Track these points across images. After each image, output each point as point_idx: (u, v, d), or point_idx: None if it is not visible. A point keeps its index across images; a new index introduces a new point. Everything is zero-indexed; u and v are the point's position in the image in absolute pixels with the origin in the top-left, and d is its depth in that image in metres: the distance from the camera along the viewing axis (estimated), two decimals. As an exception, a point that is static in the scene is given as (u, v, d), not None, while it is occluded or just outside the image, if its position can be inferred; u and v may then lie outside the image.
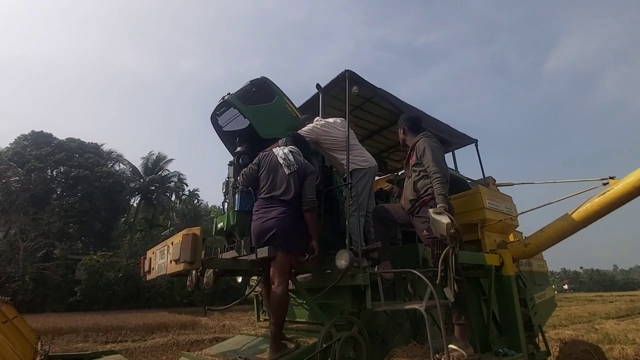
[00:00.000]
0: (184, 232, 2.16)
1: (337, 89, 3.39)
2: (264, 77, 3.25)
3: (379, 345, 2.53)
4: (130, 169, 30.97)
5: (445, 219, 2.10)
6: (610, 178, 3.05)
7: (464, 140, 4.51)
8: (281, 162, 2.60)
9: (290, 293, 2.72)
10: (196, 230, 2.16)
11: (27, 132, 28.19)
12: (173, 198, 33.48)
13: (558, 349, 3.85)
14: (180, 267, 2.13)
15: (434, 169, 2.50)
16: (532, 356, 3.42)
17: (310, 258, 2.53)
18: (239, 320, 13.70)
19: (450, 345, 2.17)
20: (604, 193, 3.00)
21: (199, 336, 10.49)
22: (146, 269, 2.78)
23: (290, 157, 2.63)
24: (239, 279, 3.65)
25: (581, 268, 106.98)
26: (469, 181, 4.08)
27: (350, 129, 3.04)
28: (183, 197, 34.82)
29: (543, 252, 3.92)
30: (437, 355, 1.95)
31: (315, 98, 3.48)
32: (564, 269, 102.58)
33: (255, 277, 3.44)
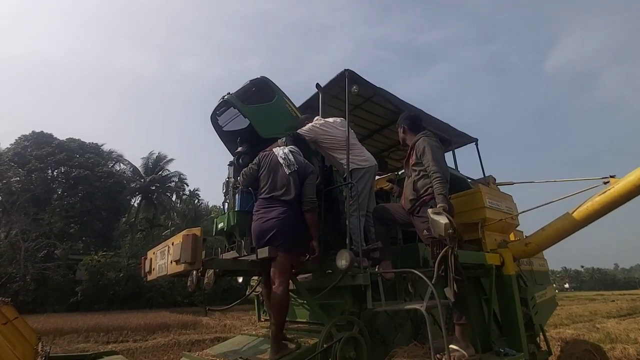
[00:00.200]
0: (184, 232, 2.16)
1: (336, 89, 3.39)
2: (264, 77, 3.25)
3: (379, 346, 2.53)
4: (131, 169, 31.03)
5: (443, 220, 2.10)
6: (611, 177, 3.04)
7: (464, 139, 4.50)
8: (281, 162, 2.60)
9: (290, 293, 2.72)
10: (196, 230, 2.15)
11: (27, 132, 28.25)
12: (174, 198, 33.52)
13: (559, 349, 3.84)
14: (180, 267, 2.13)
15: (434, 168, 2.49)
16: (533, 356, 3.42)
17: (310, 258, 2.53)
18: (240, 320, 13.72)
19: (451, 345, 2.16)
20: (605, 192, 2.99)
21: (200, 336, 10.50)
22: (147, 269, 2.78)
23: (291, 156, 2.63)
24: (240, 279, 3.65)
25: (582, 267, 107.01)
26: (469, 180, 4.07)
27: (350, 129, 3.03)
28: (184, 197, 34.85)
29: (544, 251, 3.91)
30: (438, 355, 1.94)
31: (315, 97, 3.48)
32: (565, 267, 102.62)
33: (255, 277, 3.44)
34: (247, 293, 3.57)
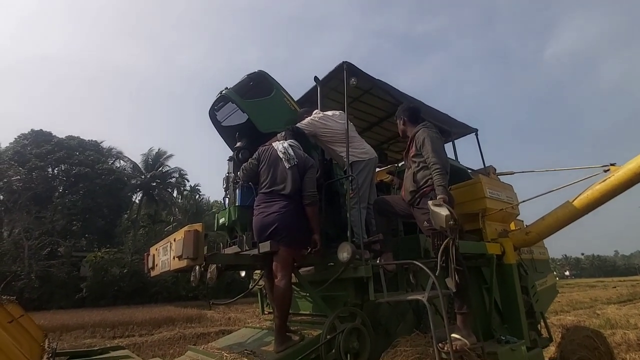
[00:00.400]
0: (185, 228, 2.17)
1: (335, 81, 3.37)
2: (262, 71, 3.22)
3: (382, 336, 2.56)
4: (131, 165, 31.01)
5: (444, 211, 2.10)
6: (612, 165, 3.04)
7: (464, 130, 4.49)
8: (281, 156, 2.60)
9: (293, 286, 2.74)
10: (198, 226, 2.16)
11: (26, 131, 28.19)
12: (175, 194, 33.59)
13: (560, 335, 3.88)
14: (183, 263, 2.14)
15: (434, 160, 2.49)
16: (534, 342, 3.46)
17: (312, 251, 2.54)
18: (244, 313, 13.86)
19: (453, 334, 2.19)
20: (605, 180, 2.99)
21: (205, 329, 10.63)
22: (150, 265, 2.80)
23: (290, 151, 2.62)
24: (243, 273, 3.68)
25: (582, 254, 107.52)
26: (469, 171, 4.07)
27: (349, 121, 3.02)
28: (185, 192, 34.92)
29: (544, 240, 3.93)
30: (440, 344, 1.97)
31: (313, 91, 3.46)
32: (565, 255, 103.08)
33: (258, 271, 3.47)
34: (250, 287, 3.60)
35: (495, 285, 3.30)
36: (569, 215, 3.23)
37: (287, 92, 3.26)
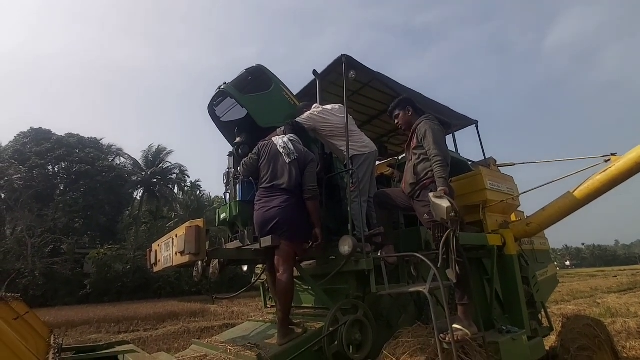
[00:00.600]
0: (187, 224, 2.18)
1: (334, 75, 3.34)
2: (260, 65, 3.20)
3: (384, 327, 2.58)
4: (131, 162, 31.02)
5: (445, 203, 2.11)
6: (612, 155, 3.03)
7: (465, 121, 4.46)
8: (281, 151, 2.60)
9: (295, 280, 2.76)
10: (199, 222, 2.17)
11: (25, 129, 28.14)
12: (176, 190, 33.65)
13: (560, 324, 3.91)
14: (185, 258, 2.15)
15: (435, 151, 2.49)
16: (535, 332, 3.49)
17: (313, 245, 2.55)
18: (247, 307, 13.99)
19: (455, 325, 2.21)
20: (606, 170, 2.99)
21: (209, 323, 10.74)
22: (152, 261, 2.82)
23: (290, 145, 2.62)
24: (245, 268, 3.70)
25: (583, 244, 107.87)
26: (469, 163, 4.06)
27: (348, 115, 3.01)
28: (185, 188, 34.95)
29: (545, 230, 3.94)
30: (442, 335, 1.98)
31: (312, 85, 3.44)
32: (566, 245, 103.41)
33: (260, 266, 3.49)
34: (253, 281, 3.62)
35: (496, 276, 3.32)
36: (569, 206, 3.23)
37: (286, 87, 3.24)
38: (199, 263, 2.78)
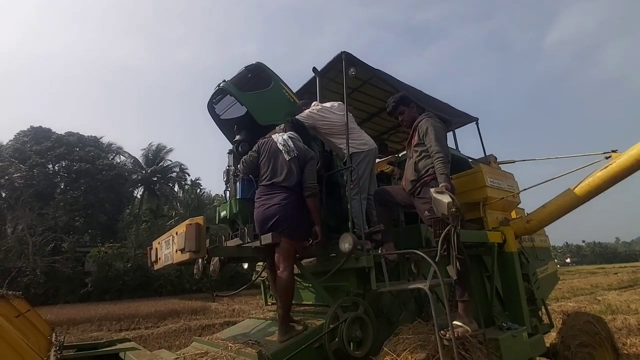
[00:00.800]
0: (187, 222, 2.17)
1: (334, 72, 3.33)
2: (259, 63, 3.19)
3: (384, 324, 2.59)
4: (131, 160, 31.04)
5: (446, 198, 2.10)
6: (613, 151, 3.02)
7: (465, 119, 4.45)
8: (281, 149, 2.59)
9: (296, 277, 2.76)
10: (199, 219, 2.17)
11: (25, 128, 28.13)
12: (176, 188, 33.69)
13: (561, 321, 3.92)
14: (185, 256, 2.16)
15: (436, 148, 2.48)
16: (536, 329, 3.50)
17: (313, 243, 2.56)
18: (247, 305, 14.03)
19: (455, 322, 2.21)
20: (606, 167, 2.98)
21: (209, 321, 10.78)
22: (153, 259, 2.82)
23: (290, 143, 2.62)
24: (245, 266, 3.70)
25: (583, 242, 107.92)
26: (470, 160, 4.06)
27: (348, 112, 3.00)
28: (186, 187, 34.99)
29: (545, 227, 3.94)
30: (442, 331, 1.99)
31: (312, 82, 3.43)
32: (567, 243, 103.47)
33: (261, 263, 3.49)
34: (253, 278, 3.63)
35: (496, 273, 3.32)
36: (570, 203, 3.23)
37: (285, 84, 3.23)
38: (200, 261, 2.79)
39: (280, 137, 2.66)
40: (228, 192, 3.17)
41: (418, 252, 2.25)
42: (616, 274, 27.43)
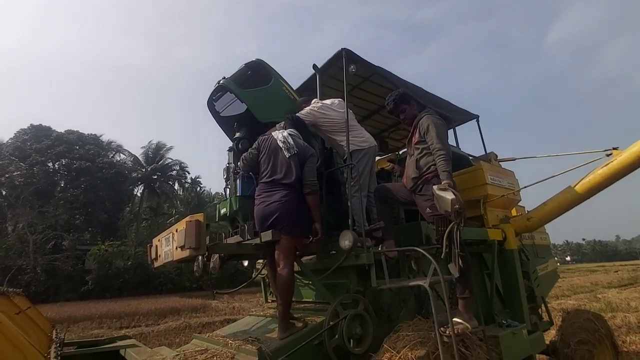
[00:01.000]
0: (187, 219, 2.17)
1: (334, 69, 3.32)
2: (259, 60, 3.18)
3: (385, 321, 2.59)
4: (131, 158, 31.03)
5: (449, 195, 2.10)
6: (614, 149, 3.02)
7: (465, 116, 4.44)
8: (281, 146, 2.59)
9: (296, 274, 2.76)
10: (199, 216, 2.17)
11: (25, 126, 28.11)
12: (176, 186, 33.69)
13: (561, 319, 3.93)
14: (186, 253, 2.15)
15: (438, 146, 2.48)
16: (535, 326, 3.50)
17: (313, 240, 2.55)
18: (247, 302, 14.05)
19: (455, 319, 2.21)
20: (607, 164, 2.98)
21: (210, 318, 10.81)
22: (153, 256, 2.82)
23: (290, 140, 2.61)
24: (245, 263, 3.71)
25: (584, 240, 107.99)
26: (470, 158, 4.05)
27: (349, 110, 2.99)
28: (186, 185, 34.99)
29: (545, 225, 3.94)
30: (442, 328, 1.99)
31: (312, 79, 3.42)
32: (567, 241, 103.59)
33: (261, 260, 3.49)
34: (254, 276, 3.63)
35: (496, 271, 3.32)
36: (570, 201, 3.23)
37: (285, 81, 3.22)
38: (200, 258, 2.79)
39: (280, 135, 2.65)
40: (228, 189, 3.17)
41: (418, 249, 2.25)
42: (616, 272, 27.45)
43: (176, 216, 28.94)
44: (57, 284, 20.14)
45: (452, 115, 4.18)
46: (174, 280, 22.48)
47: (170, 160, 31.69)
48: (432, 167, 2.55)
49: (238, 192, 2.89)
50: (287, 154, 2.55)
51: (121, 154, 31.41)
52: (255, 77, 3.12)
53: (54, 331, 3.11)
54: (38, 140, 26.97)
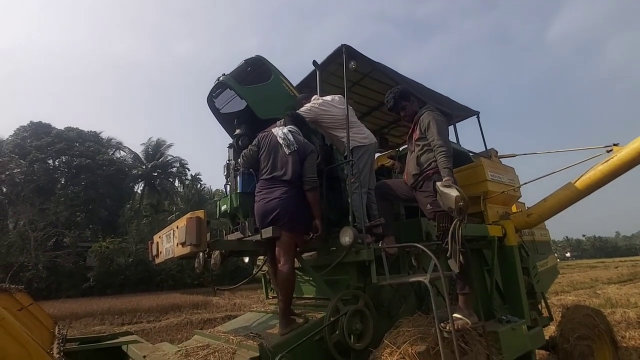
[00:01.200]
0: (188, 215, 2.18)
1: (334, 65, 3.31)
2: (259, 56, 3.16)
3: (385, 317, 2.60)
4: (131, 155, 31.03)
5: (454, 192, 2.09)
6: (614, 145, 3.01)
7: (466, 112, 4.43)
8: (281, 142, 2.59)
9: (296, 270, 2.77)
10: (200, 213, 2.17)
11: (24, 123, 28.08)
12: (176, 183, 33.72)
13: (560, 315, 3.94)
14: (186, 249, 2.16)
15: (439, 142, 2.47)
16: (535, 322, 3.52)
17: (314, 237, 2.56)
18: (248, 299, 14.11)
19: (455, 314, 2.22)
20: (608, 160, 2.97)
21: (211, 315, 10.85)
22: (154, 253, 2.83)
23: (290, 136, 2.61)
24: (246, 259, 3.72)
25: (584, 236, 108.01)
26: (470, 154, 4.05)
27: (349, 106, 2.99)
28: (186, 182, 35.00)
29: (545, 221, 3.94)
30: (442, 324, 2.00)
31: (312, 76, 3.41)
32: (567, 237, 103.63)
33: (261, 257, 3.51)
34: (254, 272, 3.65)
35: (496, 267, 3.33)
36: (570, 197, 3.23)
37: (285, 78, 3.21)
38: (200, 254, 2.80)
39: (280, 131, 2.65)
40: (228, 186, 3.17)
41: (418, 245, 2.25)
42: (616, 268, 27.50)
43: (176, 213, 28.97)
44: (58, 281, 20.21)
45: (452, 112, 4.18)
46: (175, 277, 22.55)
47: (171, 157, 31.74)
48: (433, 163, 2.55)
49: (238, 189, 2.89)
50: (287, 151, 2.55)
51: (121, 151, 31.44)
52: (255, 73, 3.11)
53: (56, 327, 3.13)
54: (38, 138, 26.94)
